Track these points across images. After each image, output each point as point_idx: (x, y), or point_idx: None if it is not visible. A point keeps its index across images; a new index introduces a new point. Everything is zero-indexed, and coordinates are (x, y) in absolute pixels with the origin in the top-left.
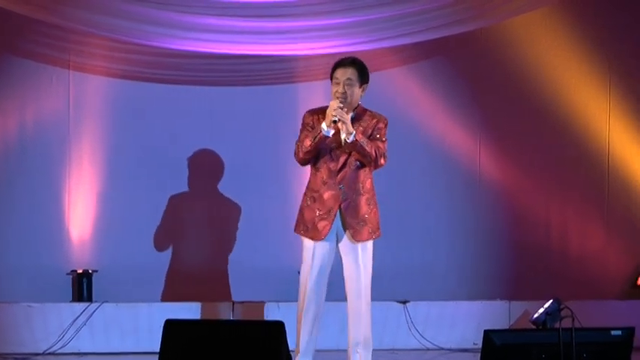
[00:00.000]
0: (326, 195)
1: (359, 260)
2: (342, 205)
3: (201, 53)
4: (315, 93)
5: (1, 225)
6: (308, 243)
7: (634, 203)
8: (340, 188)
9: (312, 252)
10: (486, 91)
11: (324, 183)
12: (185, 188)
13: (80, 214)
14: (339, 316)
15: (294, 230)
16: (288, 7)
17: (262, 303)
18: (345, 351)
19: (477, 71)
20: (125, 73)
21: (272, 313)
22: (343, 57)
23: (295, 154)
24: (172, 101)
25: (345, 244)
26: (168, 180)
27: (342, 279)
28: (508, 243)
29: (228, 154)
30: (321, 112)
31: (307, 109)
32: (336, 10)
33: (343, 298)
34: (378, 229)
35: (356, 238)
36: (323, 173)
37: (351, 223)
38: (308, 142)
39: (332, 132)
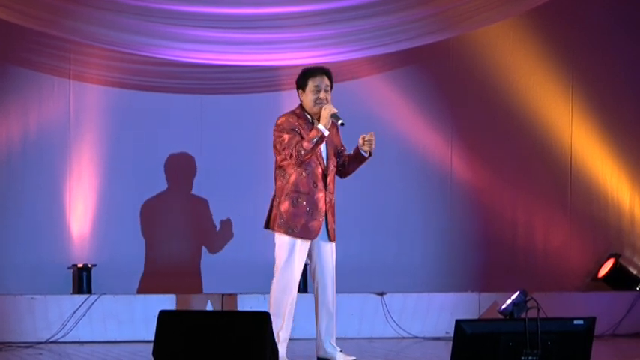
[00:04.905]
0: (317, 196)
1: (333, 256)
2: (326, 207)
3: (192, 63)
4: (298, 100)
5: (7, 223)
6: (291, 240)
7: (595, 201)
8: (327, 190)
9: (295, 249)
10: (458, 96)
11: (315, 185)
12: (176, 188)
13: (80, 213)
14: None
15: (273, 228)
16: (272, 20)
17: (249, 294)
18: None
19: (449, 78)
20: (122, 82)
21: (258, 303)
22: (313, 66)
23: (292, 157)
24: (165, 107)
25: (324, 241)
26: (161, 181)
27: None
28: (478, 239)
29: (218, 156)
30: (296, 117)
31: (280, 115)
32: (318, 23)
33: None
34: None
35: (333, 237)
36: (314, 176)
37: (331, 223)
38: (308, 145)
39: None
